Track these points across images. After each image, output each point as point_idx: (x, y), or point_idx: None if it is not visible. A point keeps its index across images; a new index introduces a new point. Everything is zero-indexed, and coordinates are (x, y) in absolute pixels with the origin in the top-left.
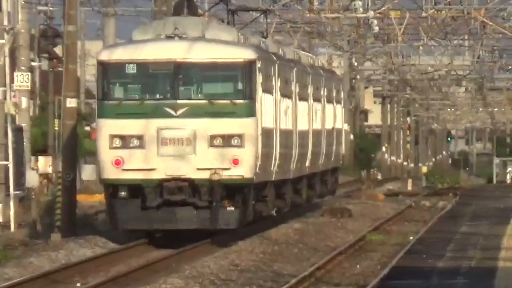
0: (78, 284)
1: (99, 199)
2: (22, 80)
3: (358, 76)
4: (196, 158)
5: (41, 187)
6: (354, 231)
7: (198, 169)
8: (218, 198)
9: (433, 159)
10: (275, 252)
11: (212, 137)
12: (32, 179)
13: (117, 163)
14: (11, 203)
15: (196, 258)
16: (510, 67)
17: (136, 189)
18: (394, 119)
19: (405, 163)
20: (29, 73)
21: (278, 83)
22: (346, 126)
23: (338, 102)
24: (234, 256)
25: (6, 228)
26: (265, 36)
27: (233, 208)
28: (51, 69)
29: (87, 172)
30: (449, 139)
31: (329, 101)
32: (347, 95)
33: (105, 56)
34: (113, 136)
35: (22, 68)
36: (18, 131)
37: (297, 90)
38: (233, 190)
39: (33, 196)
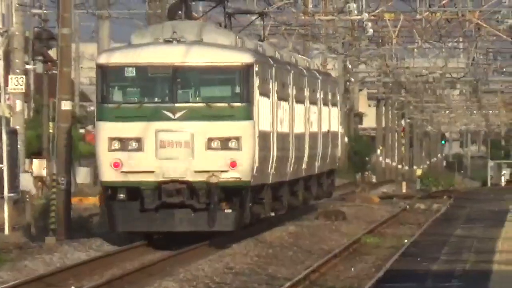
0: (73, 287)
1: (93, 202)
2: (17, 83)
3: (352, 79)
4: (194, 161)
5: (36, 190)
6: (348, 234)
7: (196, 171)
8: (216, 201)
9: (428, 162)
10: (269, 255)
11: (210, 140)
12: (26, 182)
13: (116, 165)
14: (5, 206)
15: (191, 261)
16: (504, 69)
17: (135, 191)
18: (389, 121)
19: (399, 166)
20: (24, 76)
21: (275, 87)
22: (341, 129)
23: (334, 104)
24: (228, 259)
25: (1, 231)
26: (261, 39)
27: (230, 211)
28: (45, 72)
29: (81, 175)
30: (443, 141)
31: (325, 103)
32: (342, 97)
33: (104, 59)
34: (112, 139)
35: (17, 70)
36: (12, 133)
37: (294, 93)
38: (231, 192)
39: (27, 199)
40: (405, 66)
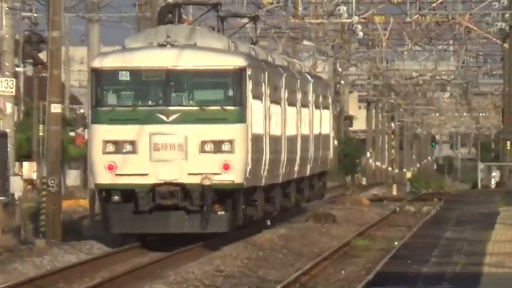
0: None
1: (83, 205)
2: (7, 85)
3: (342, 81)
4: (188, 163)
5: (26, 192)
6: (338, 237)
7: (189, 174)
8: (209, 203)
9: (418, 164)
10: (259, 258)
11: (203, 143)
12: (16, 184)
13: (110, 168)
14: None
15: (181, 264)
16: (494, 72)
17: (129, 193)
18: (379, 124)
19: (389, 168)
20: (14, 79)
21: (268, 90)
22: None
23: (326, 107)
24: (218, 262)
25: None
26: (254, 43)
27: (223, 212)
28: (35, 75)
29: (71, 178)
30: (433, 144)
31: (317, 106)
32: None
33: (98, 63)
34: (106, 142)
35: (7, 73)
36: (2, 136)
37: (286, 96)
38: (224, 194)
39: (17, 202)
40: (395, 68)
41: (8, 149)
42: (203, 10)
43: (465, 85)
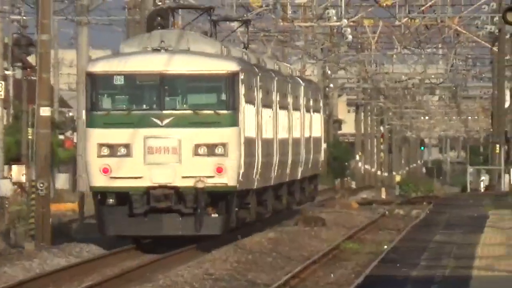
0: None
1: (72, 208)
2: None
3: (331, 85)
4: (181, 167)
5: (15, 195)
6: (328, 240)
7: (183, 177)
8: (203, 205)
9: (407, 168)
10: (249, 261)
11: (197, 146)
12: (5, 188)
13: (105, 171)
14: None
15: (171, 267)
16: (483, 75)
17: (124, 196)
18: (368, 127)
19: (378, 172)
20: (3, 82)
21: (260, 94)
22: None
23: (317, 110)
24: (208, 265)
25: None
26: (246, 47)
27: (217, 215)
28: (24, 78)
29: (60, 181)
30: (422, 147)
31: (308, 110)
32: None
33: (93, 68)
34: (101, 145)
35: None
36: None
37: (278, 99)
38: (217, 197)
39: (6, 205)
40: (384, 72)
41: None
42: (194, 14)
43: (454, 88)
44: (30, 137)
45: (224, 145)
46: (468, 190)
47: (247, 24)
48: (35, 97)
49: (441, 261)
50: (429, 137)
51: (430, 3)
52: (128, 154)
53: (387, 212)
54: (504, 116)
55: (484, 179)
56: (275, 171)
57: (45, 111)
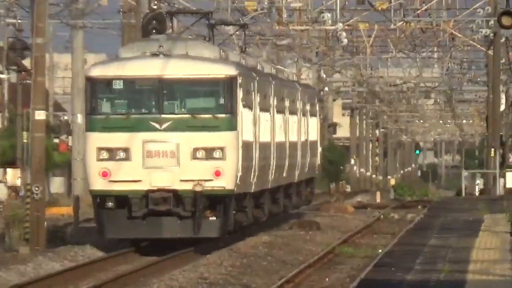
0: None
1: (67, 212)
2: None
3: (326, 88)
4: (180, 170)
5: (10, 199)
6: (323, 244)
7: (181, 180)
8: (201, 208)
9: (402, 172)
10: (243, 265)
11: (195, 150)
12: (0, 191)
13: (104, 174)
14: None
15: (165, 271)
16: (479, 79)
17: (123, 199)
18: (363, 131)
19: (374, 176)
20: None
21: (257, 98)
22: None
23: (313, 114)
24: (202, 269)
25: None
26: (243, 51)
27: (215, 218)
28: (19, 82)
29: (55, 185)
30: (417, 151)
31: (304, 114)
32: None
33: (93, 72)
34: (100, 149)
35: None
36: None
37: (275, 103)
38: (215, 200)
39: (1, 209)
40: (379, 75)
41: None
42: (190, 18)
43: (449, 92)
44: (25, 140)
45: (222, 149)
46: (463, 194)
47: (244, 28)
48: (30, 101)
49: (436, 265)
50: (424, 141)
51: (425, 7)
52: (127, 158)
53: (382, 216)
54: (499, 120)
55: (479, 183)
56: (272, 174)
57: (40, 115)
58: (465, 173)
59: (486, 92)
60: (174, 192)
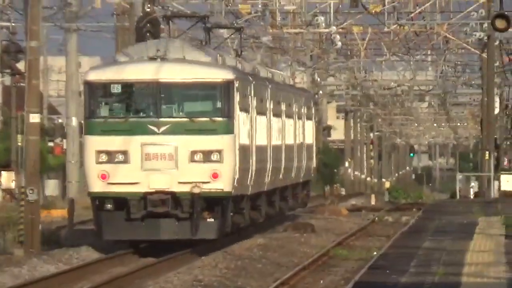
0: None
1: (62, 215)
2: None
3: (320, 92)
4: (178, 172)
5: (4, 202)
6: (317, 247)
7: (179, 182)
8: (199, 210)
9: (396, 174)
10: (238, 268)
11: (193, 153)
12: None
13: (103, 177)
14: None
15: (160, 274)
16: (473, 82)
17: (121, 201)
18: (357, 134)
19: (368, 178)
20: None
21: (254, 102)
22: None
23: (309, 118)
24: (197, 272)
25: None
26: (239, 54)
27: (212, 220)
28: (13, 85)
29: (50, 188)
30: (412, 154)
31: (300, 117)
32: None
33: (91, 76)
34: (99, 152)
35: None
36: None
37: (271, 107)
38: (213, 202)
39: None
40: (373, 78)
41: None
42: (185, 22)
43: (443, 95)
44: (19, 143)
45: (219, 151)
46: (458, 196)
47: (240, 31)
48: (24, 104)
49: (431, 267)
50: (418, 144)
51: (419, 10)
52: (125, 161)
53: (376, 219)
54: (493, 122)
55: (474, 185)
56: (269, 177)
57: (34, 118)
58: (459, 176)
59: (480, 95)
60: (172, 194)
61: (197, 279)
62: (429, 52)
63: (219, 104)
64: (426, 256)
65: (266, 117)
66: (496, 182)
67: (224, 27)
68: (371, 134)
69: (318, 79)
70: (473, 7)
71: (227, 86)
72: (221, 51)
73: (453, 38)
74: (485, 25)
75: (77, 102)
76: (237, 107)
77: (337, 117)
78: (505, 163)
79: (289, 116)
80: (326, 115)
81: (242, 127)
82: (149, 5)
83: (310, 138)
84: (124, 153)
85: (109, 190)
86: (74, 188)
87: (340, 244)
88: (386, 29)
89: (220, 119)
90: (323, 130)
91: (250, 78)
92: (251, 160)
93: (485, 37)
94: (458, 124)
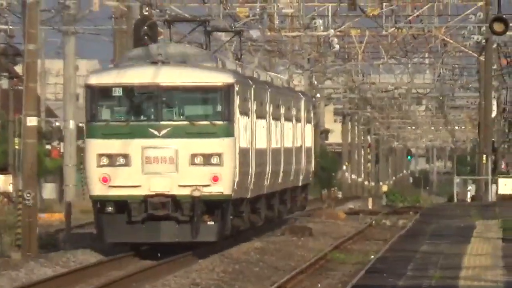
0: None
1: (59, 218)
2: None
3: (318, 95)
4: (178, 176)
5: (2, 205)
6: (315, 250)
7: (180, 185)
8: (199, 213)
9: (394, 178)
10: (235, 271)
11: (193, 156)
12: None
13: (104, 180)
14: None
15: (157, 277)
16: (470, 85)
17: (122, 204)
18: (355, 137)
19: (365, 182)
20: None
21: (254, 105)
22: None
23: (308, 121)
24: (195, 275)
25: None
26: (238, 58)
27: (212, 223)
28: (11, 88)
29: (47, 191)
30: (409, 157)
31: (299, 120)
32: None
33: (93, 80)
34: (100, 155)
35: None
36: None
37: (271, 111)
38: (213, 205)
39: None
40: (371, 82)
41: None
42: (184, 25)
43: (441, 98)
44: (16, 147)
45: (219, 155)
46: (455, 200)
47: (240, 35)
48: (22, 107)
49: (428, 271)
50: (416, 147)
51: (417, 13)
52: (126, 164)
53: (374, 222)
54: (491, 126)
55: (471, 189)
56: (268, 180)
57: (31, 121)
58: (457, 179)
59: (478, 98)
60: (173, 197)
61: (195, 282)
62: (426, 55)
63: (219, 108)
64: (424, 259)
65: (266, 120)
66: (494, 186)
67: (224, 30)
68: (369, 138)
69: (316, 82)
70: (471, 10)
71: (227, 90)
72: (220, 54)
73: (451, 41)
74: (483, 28)
75: (74, 105)
76: (237, 110)
77: (335, 120)
78: (503, 166)
79: (288, 119)
80: (324, 118)
81: (242, 131)
82: (146, 9)
83: (309, 141)
84: (125, 156)
85: (110, 193)
86: (71, 192)
87: (337, 248)
88: (384, 32)
89: (220, 122)
90: (320, 133)
91: (250, 82)
92: (251, 164)
93: (483, 40)
94: (456, 127)
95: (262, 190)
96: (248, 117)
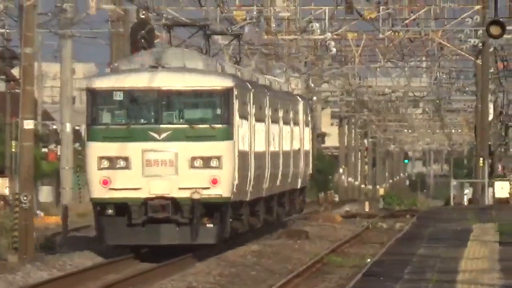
0: None
1: (56, 221)
2: None
3: (315, 98)
4: (178, 178)
5: None
6: (311, 253)
7: (180, 188)
8: (198, 216)
9: (390, 181)
10: (232, 274)
11: (193, 159)
12: None
13: (105, 183)
14: None
15: (153, 280)
16: (467, 88)
17: (123, 207)
18: (351, 140)
19: (362, 185)
20: None
21: (253, 109)
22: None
23: (306, 125)
24: (191, 278)
25: None
26: (237, 61)
27: (212, 225)
28: (8, 91)
29: (44, 194)
30: (406, 161)
31: (297, 123)
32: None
33: (94, 84)
34: (101, 158)
35: None
36: None
37: (269, 114)
38: (212, 208)
39: None
40: (367, 85)
41: None
42: (183, 29)
43: (437, 101)
44: (13, 150)
45: (219, 158)
46: (452, 203)
47: (239, 38)
48: (19, 110)
49: (425, 274)
50: (412, 150)
51: (413, 17)
52: (127, 167)
53: (370, 225)
54: (487, 129)
55: (468, 192)
56: (267, 183)
57: (28, 124)
58: (453, 182)
59: (474, 101)
60: (173, 200)
61: (191, 285)
62: (423, 59)
63: (218, 111)
64: (420, 263)
65: (265, 124)
66: (490, 189)
67: (222, 33)
68: (365, 141)
69: (313, 85)
70: (467, 14)
71: (226, 93)
72: (218, 58)
73: (447, 44)
74: (480, 31)
75: (71, 108)
76: (236, 114)
77: (331, 124)
78: (499, 169)
79: (286, 122)
80: (320, 121)
81: (241, 134)
82: (143, 12)
83: (307, 144)
84: (126, 159)
85: (111, 196)
86: (68, 195)
87: (334, 251)
88: (380, 36)
89: (219, 126)
90: (317, 137)
91: (249, 85)
92: (250, 167)
93: (480, 44)
94: (452, 130)
95: (261, 193)
96: (247, 121)
